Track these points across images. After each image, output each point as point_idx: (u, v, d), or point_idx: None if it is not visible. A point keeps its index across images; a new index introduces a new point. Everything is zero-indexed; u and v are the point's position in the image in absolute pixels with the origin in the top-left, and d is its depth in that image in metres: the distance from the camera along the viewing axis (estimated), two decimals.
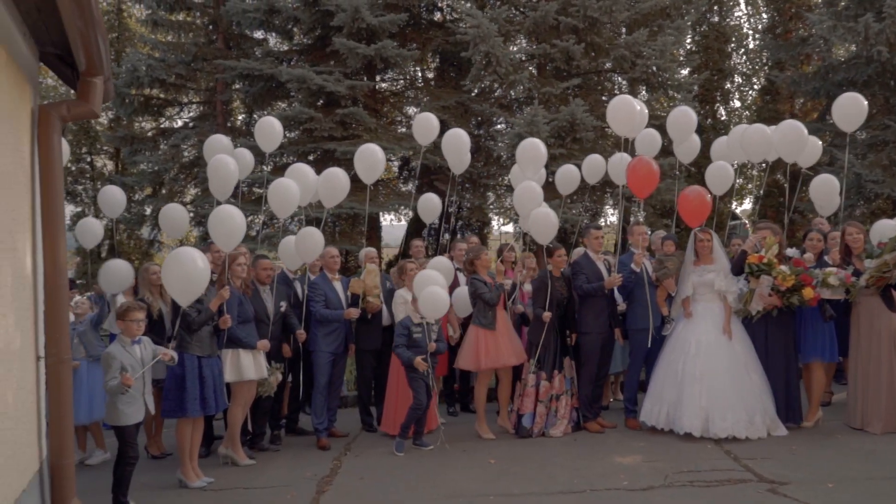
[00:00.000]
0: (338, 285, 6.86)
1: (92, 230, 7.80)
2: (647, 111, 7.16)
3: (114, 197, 8.00)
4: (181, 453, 5.49)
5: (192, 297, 5.26)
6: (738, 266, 6.55)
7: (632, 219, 14.69)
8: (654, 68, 12.25)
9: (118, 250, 15.91)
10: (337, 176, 7.22)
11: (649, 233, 7.89)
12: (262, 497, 5.20)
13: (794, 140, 7.10)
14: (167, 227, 7.97)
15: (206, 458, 6.11)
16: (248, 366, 5.92)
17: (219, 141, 7.22)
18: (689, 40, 16.63)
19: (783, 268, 6.40)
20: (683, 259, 6.85)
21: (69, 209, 16.22)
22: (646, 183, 6.74)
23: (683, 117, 7.50)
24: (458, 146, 7.89)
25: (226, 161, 6.62)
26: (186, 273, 5.09)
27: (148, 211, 14.24)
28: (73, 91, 4.65)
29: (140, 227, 14.57)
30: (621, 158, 7.51)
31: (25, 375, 3.76)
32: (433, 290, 6.15)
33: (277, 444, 6.60)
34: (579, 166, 11.71)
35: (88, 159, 16.35)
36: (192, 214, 12.31)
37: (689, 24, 14.80)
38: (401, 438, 6.26)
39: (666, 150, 12.86)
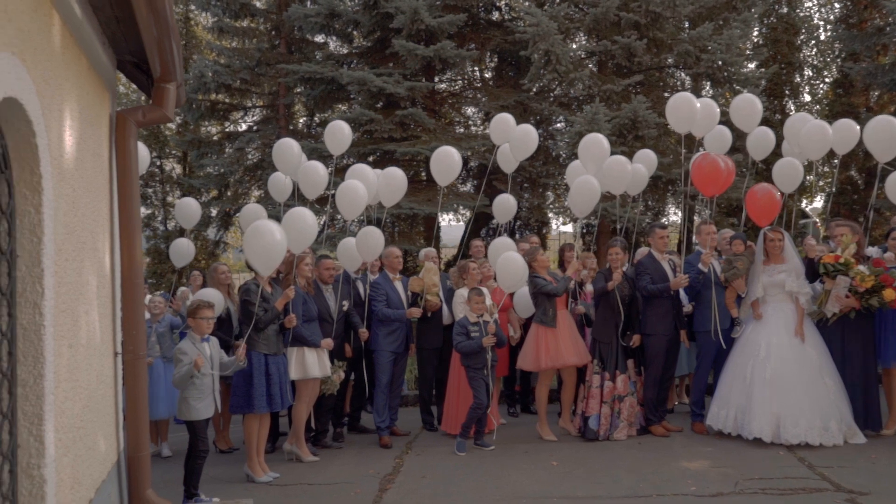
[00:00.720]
0: (398, 284, 6.91)
1: (189, 211, 8.18)
2: (716, 108, 6.89)
3: (189, 207, 8.32)
4: (248, 448, 5.62)
5: (272, 267, 5.41)
6: (812, 270, 6.30)
7: (696, 218, 14.35)
8: (720, 63, 11.90)
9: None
10: (395, 175, 7.32)
11: (717, 232, 7.64)
12: (327, 493, 5.27)
13: (886, 137, 6.71)
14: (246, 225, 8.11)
15: (271, 453, 6.24)
16: (313, 364, 6.02)
17: (288, 145, 7.33)
18: (756, 33, 16.10)
19: (861, 268, 6.12)
20: (753, 259, 6.63)
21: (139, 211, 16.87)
22: (711, 181, 6.53)
23: (747, 105, 7.17)
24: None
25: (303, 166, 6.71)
26: (266, 244, 5.24)
27: (214, 213, 14.67)
28: (144, 97, 4.82)
29: (206, 229, 15.01)
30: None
31: (104, 370, 3.92)
32: (509, 254, 6.23)
33: (340, 441, 6.69)
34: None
35: (158, 163, 16.95)
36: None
37: (756, 16, 14.33)
38: (462, 438, 6.26)
39: (733, 148, 12.53)
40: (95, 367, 3.67)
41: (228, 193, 14.27)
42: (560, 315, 6.53)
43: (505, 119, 7.83)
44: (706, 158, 6.58)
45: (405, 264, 14.32)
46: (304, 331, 5.93)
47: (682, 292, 6.83)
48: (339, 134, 7.52)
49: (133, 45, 4.38)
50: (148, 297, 7.21)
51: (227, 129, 15.76)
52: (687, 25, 13.31)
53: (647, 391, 6.62)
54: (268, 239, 5.28)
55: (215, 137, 15.74)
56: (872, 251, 6.78)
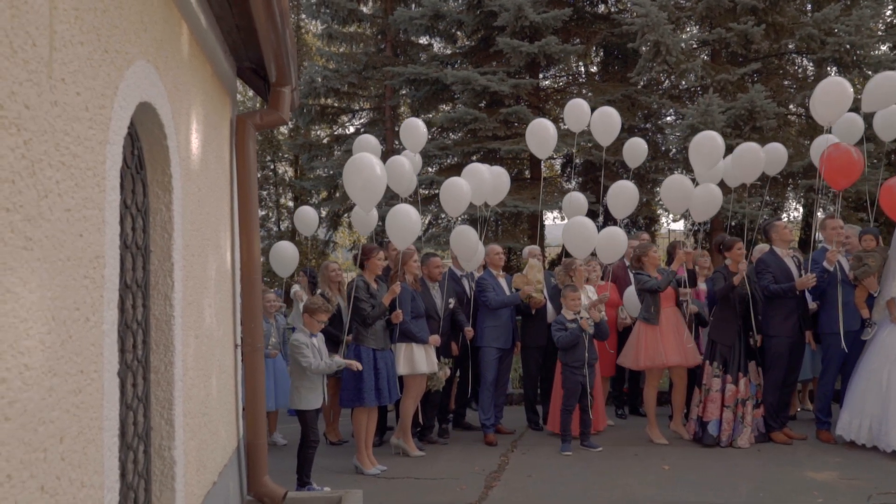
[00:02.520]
0: (502, 281, 6.89)
1: (307, 219, 8.60)
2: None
3: (308, 216, 8.72)
4: (357, 441, 5.77)
5: (373, 202, 5.52)
6: None
7: (819, 213, 13.42)
8: (848, 46, 11.06)
9: (297, 250, 17.19)
10: (499, 174, 7.34)
11: (844, 227, 7.10)
12: (433, 488, 5.33)
13: None
14: (358, 226, 8.34)
15: (378, 447, 6.37)
16: (421, 360, 6.10)
17: (367, 141, 7.61)
18: (889, 12, 14.85)
19: None
20: (886, 256, 6.11)
21: None
22: (843, 172, 6.05)
23: (885, 81, 6.45)
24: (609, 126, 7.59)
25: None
26: (365, 178, 5.35)
27: (323, 213, 15.19)
28: (259, 103, 5.06)
29: (316, 229, 15.58)
30: (826, 140, 6.72)
31: (225, 361, 4.13)
32: (578, 218, 6.36)
33: (445, 437, 6.74)
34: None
35: (272, 166, 17.78)
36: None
37: None
38: (563, 441, 6.16)
39: (866, 136, 11.63)
40: (218, 357, 3.88)
41: (337, 194, 14.74)
42: (665, 313, 6.28)
43: (579, 104, 7.68)
44: (837, 149, 6.11)
45: (508, 262, 14.31)
46: (412, 327, 6.02)
47: (806, 291, 6.40)
48: (414, 132, 7.59)
49: (251, 52, 4.60)
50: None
51: (335, 133, 16.29)
52: (810, 8, 12.49)
53: (769, 396, 6.25)
54: (367, 173, 5.38)
55: (325, 140, 16.32)
56: None
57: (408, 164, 6.82)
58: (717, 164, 6.88)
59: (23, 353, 1.54)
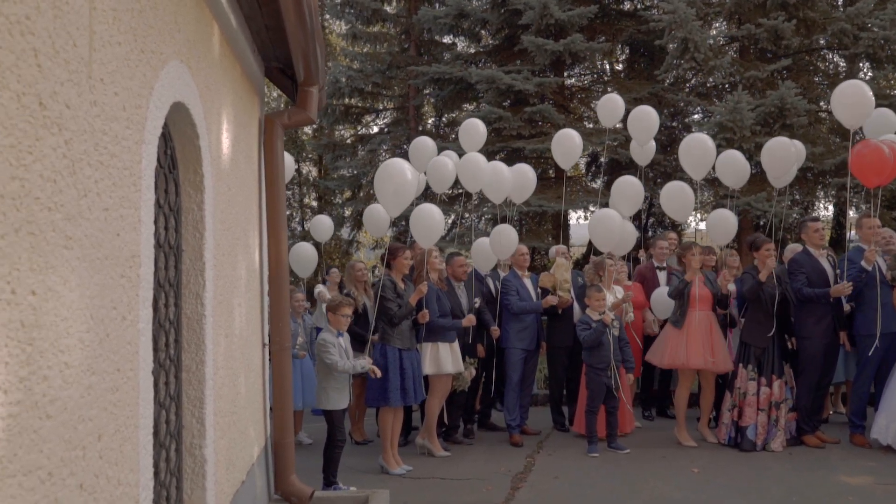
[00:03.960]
0: (527, 282, 6.85)
1: (323, 227, 8.71)
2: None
3: (323, 225, 8.81)
4: (383, 440, 5.77)
5: (402, 207, 5.53)
6: None
7: (851, 212, 13.15)
8: (882, 41, 10.83)
9: (322, 250, 17.26)
10: (524, 172, 7.32)
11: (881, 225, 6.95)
12: (459, 488, 5.31)
13: None
14: (370, 226, 8.39)
15: (403, 447, 6.36)
16: (447, 359, 6.08)
17: (423, 143, 7.59)
18: None
19: None
20: None
21: None
22: (875, 170, 5.92)
23: None
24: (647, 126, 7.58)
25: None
26: (396, 184, 5.36)
27: (347, 213, 15.25)
28: (284, 102, 5.09)
29: (340, 228, 15.65)
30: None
31: (254, 360, 4.15)
32: (605, 210, 6.59)
33: (471, 438, 6.72)
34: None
35: (296, 166, 17.84)
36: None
37: None
38: (589, 443, 6.10)
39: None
40: (247, 356, 3.89)
41: (361, 194, 14.78)
42: (693, 316, 6.17)
43: (613, 98, 7.67)
44: (867, 146, 5.99)
45: (533, 262, 14.24)
46: (441, 321, 6.01)
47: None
48: (473, 132, 7.58)
49: (280, 52, 4.62)
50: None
51: (359, 132, 16.33)
52: (842, 2, 12.25)
53: (802, 398, 6.13)
54: (398, 179, 5.39)
55: (349, 140, 16.38)
56: None
57: (450, 165, 6.85)
58: (708, 167, 7.10)
59: (63, 351, 1.55)
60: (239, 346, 3.71)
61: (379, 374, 5.30)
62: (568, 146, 7.42)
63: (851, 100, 6.00)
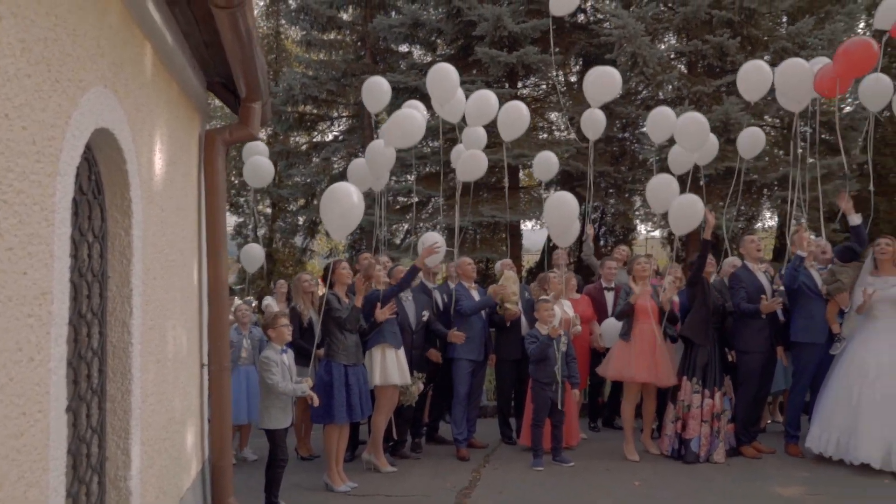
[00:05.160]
0: (475, 293, 6.88)
1: (253, 256, 8.44)
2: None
3: (253, 252, 8.61)
4: (328, 458, 5.72)
5: (347, 230, 5.49)
6: None
7: (793, 223, 13.57)
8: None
9: (274, 257, 17.08)
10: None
11: (814, 237, 7.19)
12: None
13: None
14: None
15: (350, 462, 6.31)
16: (394, 369, 6.05)
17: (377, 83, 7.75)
18: (862, 25, 15.10)
19: None
20: (859, 272, 6.18)
21: (232, 220, 17.59)
22: (859, 61, 6.05)
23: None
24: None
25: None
26: (342, 208, 5.31)
27: (301, 221, 15.10)
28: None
29: (294, 237, 15.50)
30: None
31: (191, 382, 4.08)
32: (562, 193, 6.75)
33: (418, 452, 6.71)
34: (731, 168, 11.00)
35: (274, 171, 17.62)
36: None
37: (862, 7, 13.45)
38: (534, 456, 6.15)
39: (833, 149, 11.79)
40: (182, 379, 3.82)
41: (315, 202, 14.67)
42: (639, 330, 6.29)
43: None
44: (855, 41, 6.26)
45: (487, 271, 14.32)
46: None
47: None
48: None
49: (221, 67, 4.56)
50: (237, 301, 7.50)
51: (314, 140, 16.21)
52: (785, 21, 12.65)
53: (740, 410, 6.29)
54: (344, 202, 5.34)
55: (303, 147, 16.23)
56: None
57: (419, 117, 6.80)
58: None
59: None
60: (173, 370, 3.64)
61: (317, 402, 5.25)
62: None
63: (755, 77, 6.61)
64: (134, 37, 3.03)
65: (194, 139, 4.42)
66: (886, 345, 5.80)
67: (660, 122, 7.35)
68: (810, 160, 10.05)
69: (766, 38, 11.76)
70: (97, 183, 2.79)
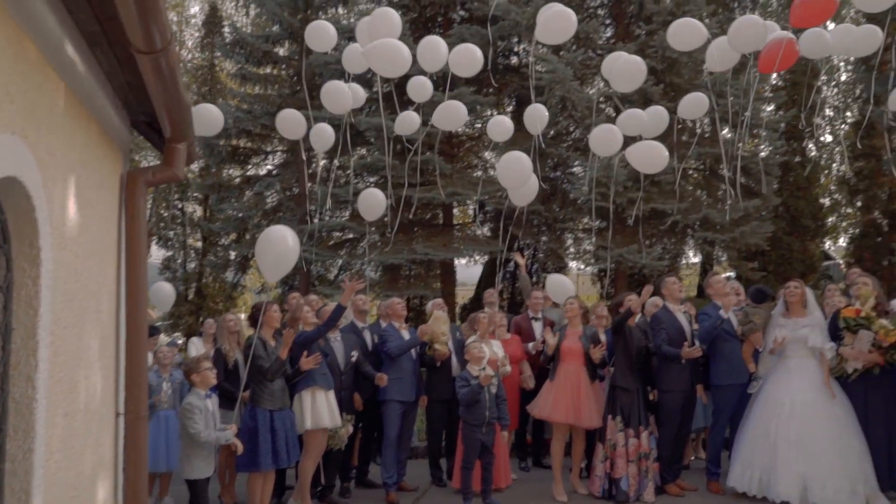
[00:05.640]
0: (405, 334, 6.87)
1: (163, 295, 8.06)
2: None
3: (163, 291, 8.29)
4: None
5: (281, 274, 5.39)
6: (833, 328, 6.13)
7: (716, 265, 14.17)
8: (738, 107, 11.85)
9: (204, 293, 16.64)
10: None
11: (729, 279, 7.52)
12: None
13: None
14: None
15: None
16: (324, 411, 5.94)
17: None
18: (774, 76, 16.08)
19: (884, 321, 5.95)
20: (772, 312, 6.48)
21: (161, 253, 17.10)
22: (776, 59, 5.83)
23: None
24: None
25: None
26: (277, 251, 5.21)
27: (232, 255, 14.80)
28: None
29: (225, 271, 15.16)
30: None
31: (104, 432, 3.90)
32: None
33: (347, 496, 6.59)
34: (656, 210, 11.43)
35: (179, 206, 17.23)
36: None
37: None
38: (464, 499, 6.12)
39: (751, 192, 12.43)
40: (94, 431, 3.66)
41: (247, 237, 14.42)
42: (564, 370, 6.41)
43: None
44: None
45: (421, 306, 14.33)
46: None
47: (697, 343, 6.66)
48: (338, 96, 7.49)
49: (145, 107, 4.47)
50: (162, 339, 7.25)
51: (247, 173, 16.00)
52: (705, 70, 13.32)
53: (663, 449, 6.44)
54: (279, 246, 5.26)
55: (236, 181, 15.99)
56: (895, 304, 6.61)
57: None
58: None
59: None
60: (84, 422, 3.48)
61: (241, 449, 5.11)
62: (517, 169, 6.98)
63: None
64: (48, 80, 2.95)
65: (115, 180, 4.30)
66: (798, 383, 6.07)
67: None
68: (729, 201, 10.58)
69: (687, 86, 12.36)
70: (3, 232, 2.68)
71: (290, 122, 7.48)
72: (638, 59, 6.64)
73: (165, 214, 16.87)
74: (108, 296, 4.05)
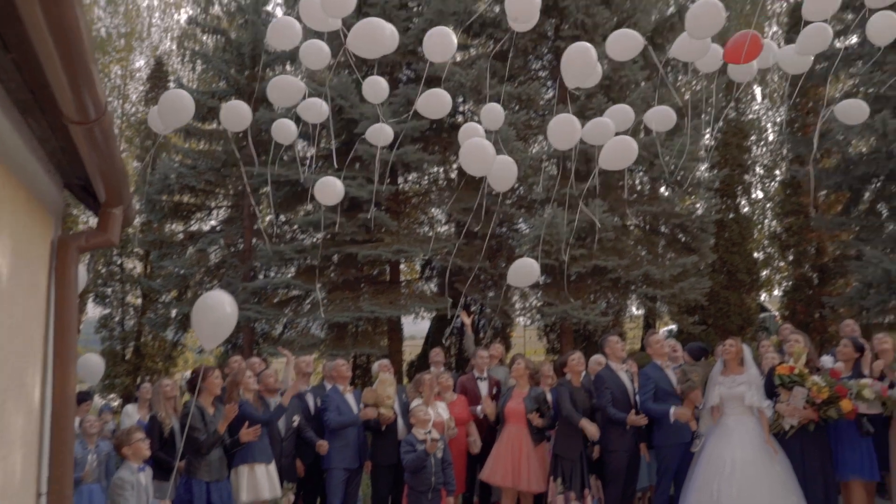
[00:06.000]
0: (350, 397, 6.74)
1: (91, 368, 7.60)
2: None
3: (90, 363, 7.85)
4: None
5: (219, 340, 5.20)
6: (769, 385, 6.30)
7: (655, 328, 14.50)
8: (673, 167, 12.36)
9: (142, 352, 16.07)
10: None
11: (667, 336, 7.68)
12: None
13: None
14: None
15: None
16: (264, 484, 5.75)
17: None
18: (707, 137, 16.85)
19: (817, 378, 6.14)
20: (710, 370, 6.62)
21: (97, 311, 16.50)
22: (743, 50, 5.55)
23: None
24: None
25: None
26: (215, 317, 5.04)
27: (173, 313, 14.40)
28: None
29: (164, 330, 14.72)
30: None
31: None
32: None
33: None
34: (599, 266, 11.67)
35: (119, 262, 16.74)
36: None
37: (706, 121, 15.04)
38: None
39: (689, 249, 12.85)
40: None
41: (188, 294, 14.08)
42: (508, 433, 6.38)
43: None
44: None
45: (365, 365, 14.14)
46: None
47: (639, 403, 6.74)
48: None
49: (80, 171, 4.38)
50: (98, 403, 6.90)
51: (190, 229, 15.73)
52: (642, 132, 13.89)
53: None
54: (217, 312, 5.09)
55: (179, 236, 15.70)
56: (825, 360, 6.84)
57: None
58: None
59: None
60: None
61: None
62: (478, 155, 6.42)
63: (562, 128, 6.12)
64: None
65: (45, 246, 4.16)
66: (738, 440, 6.17)
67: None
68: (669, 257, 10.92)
69: None
70: None
71: (234, 112, 7.00)
72: (574, 119, 6.53)
73: (103, 271, 16.35)
74: (34, 368, 3.87)
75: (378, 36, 5.70)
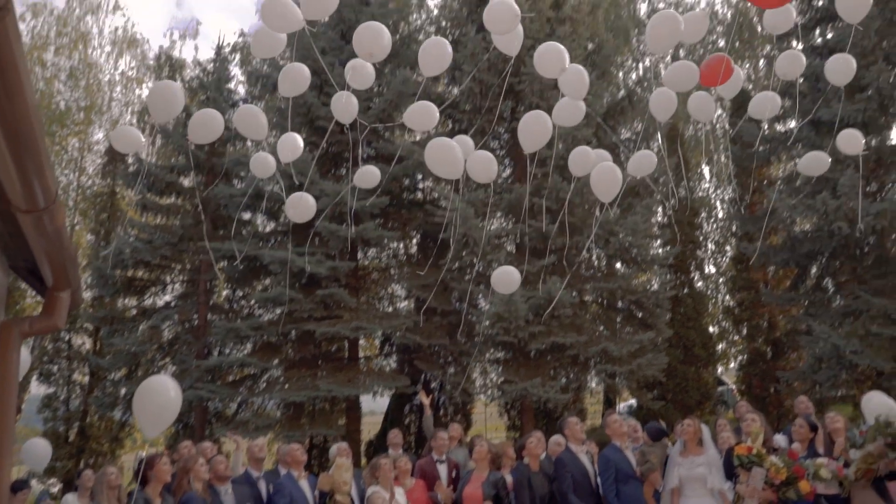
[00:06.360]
0: (304, 483, 6.48)
1: (37, 453, 7.20)
2: None
3: (37, 448, 7.48)
4: None
5: (161, 428, 4.93)
6: (728, 465, 6.30)
7: (615, 403, 14.49)
8: (628, 244, 12.65)
9: (87, 433, 15.35)
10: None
11: (627, 411, 7.67)
12: None
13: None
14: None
15: None
16: None
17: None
18: (659, 215, 17.37)
19: (774, 459, 6.16)
20: (668, 451, 6.60)
21: (41, 390, 15.79)
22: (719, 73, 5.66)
23: None
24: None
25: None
26: (158, 403, 4.80)
27: (122, 392, 13.87)
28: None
29: (112, 410, 14.11)
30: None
31: None
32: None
33: None
34: (557, 343, 11.72)
35: (67, 338, 16.16)
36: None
37: (658, 199, 15.55)
38: None
39: (646, 324, 13.02)
40: None
41: (139, 373, 13.61)
42: None
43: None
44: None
45: (322, 446, 13.71)
46: None
47: (601, 487, 6.65)
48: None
49: (26, 254, 4.28)
50: (37, 489, 6.50)
51: (143, 305, 15.37)
52: (597, 210, 14.26)
53: None
54: (161, 398, 4.88)
55: (133, 312, 15.29)
56: (779, 438, 6.89)
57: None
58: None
59: None
60: None
61: None
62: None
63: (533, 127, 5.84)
64: None
65: None
66: None
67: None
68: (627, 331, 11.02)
69: (580, 224, 13.14)
70: None
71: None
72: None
73: (49, 348, 15.75)
74: None
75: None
